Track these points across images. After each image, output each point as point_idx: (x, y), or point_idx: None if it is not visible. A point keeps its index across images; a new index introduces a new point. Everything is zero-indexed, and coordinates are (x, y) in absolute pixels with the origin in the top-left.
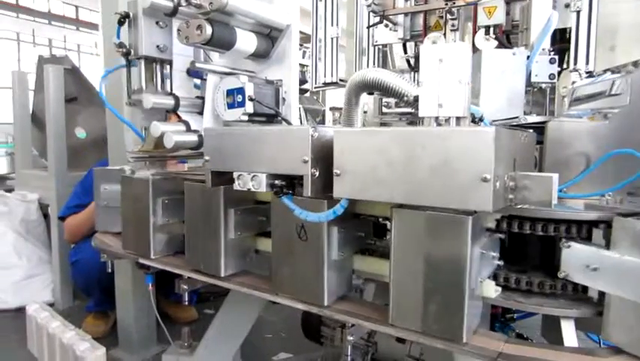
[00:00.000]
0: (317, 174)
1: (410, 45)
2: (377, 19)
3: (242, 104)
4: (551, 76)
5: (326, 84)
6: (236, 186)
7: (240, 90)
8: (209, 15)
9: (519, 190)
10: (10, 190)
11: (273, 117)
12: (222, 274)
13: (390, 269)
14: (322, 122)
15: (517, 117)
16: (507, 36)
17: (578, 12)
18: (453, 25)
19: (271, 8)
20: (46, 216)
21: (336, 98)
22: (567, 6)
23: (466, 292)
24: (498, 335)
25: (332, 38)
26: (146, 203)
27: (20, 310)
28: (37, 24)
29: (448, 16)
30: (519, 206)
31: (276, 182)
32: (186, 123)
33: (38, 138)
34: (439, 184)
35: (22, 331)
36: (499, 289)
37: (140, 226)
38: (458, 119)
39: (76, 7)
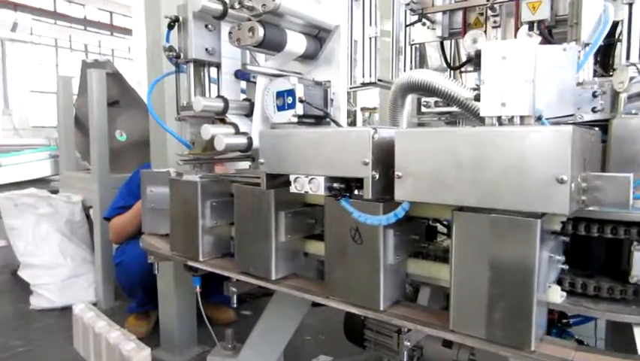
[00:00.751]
0: (377, 176)
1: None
2: (415, 17)
3: (292, 106)
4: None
5: (364, 84)
6: (293, 189)
7: (291, 92)
8: (261, 17)
9: (590, 191)
10: (54, 192)
11: (321, 119)
12: (273, 277)
13: (451, 273)
14: (353, 122)
15: (571, 115)
16: (549, 31)
17: (631, 4)
18: (495, 22)
19: (320, 9)
20: (87, 217)
21: (367, 98)
22: None
23: (534, 297)
24: (565, 342)
25: (370, 38)
26: (195, 205)
27: (65, 310)
28: (73, 30)
29: (490, 13)
30: (589, 208)
31: (335, 185)
32: (235, 126)
33: (81, 140)
34: (511, 186)
35: (67, 330)
36: (564, 294)
37: (189, 228)
38: (522, 118)
39: (111, 13)
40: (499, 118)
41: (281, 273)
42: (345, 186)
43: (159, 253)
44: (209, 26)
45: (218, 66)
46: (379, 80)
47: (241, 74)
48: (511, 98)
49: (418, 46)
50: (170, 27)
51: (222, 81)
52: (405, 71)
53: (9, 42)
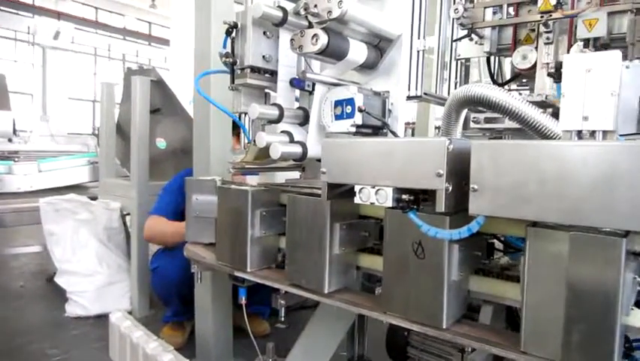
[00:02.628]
0: (450, 188)
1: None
2: (463, 32)
3: (351, 115)
4: None
5: (409, 98)
6: (358, 199)
7: (350, 101)
8: (325, 24)
9: None
10: (94, 198)
11: (378, 129)
12: (326, 290)
13: (524, 292)
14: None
15: (636, 134)
16: (604, 49)
17: None
18: (547, 39)
19: (383, 18)
20: (124, 224)
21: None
22: None
23: (618, 321)
24: None
25: (419, 51)
26: (245, 215)
27: (100, 318)
28: (113, 39)
29: (542, 29)
30: None
31: (403, 196)
32: (289, 134)
33: (121, 147)
34: (599, 203)
35: (103, 338)
36: None
37: (237, 238)
38: (605, 133)
39: (149, 23)
40: (579, 132)
41: (333, 286)
42: (414, 198)
43: (205, 262)
44: (267, 33)
45: (273, 73)
46: (425, 94)
47: (296, 82)
48: (595, 112)
49: (463, 61)
50: (229, 33)
51: (278, 89)
52: (450, 86)
53: (50, 50)
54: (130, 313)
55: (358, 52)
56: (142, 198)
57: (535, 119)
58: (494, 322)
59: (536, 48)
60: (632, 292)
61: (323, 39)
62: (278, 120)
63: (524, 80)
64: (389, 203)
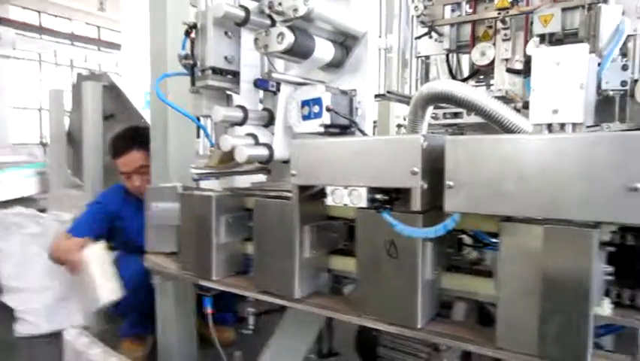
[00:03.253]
0: (425, 186)
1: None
2: (423, 30)
3: (318, 115)
4: (623, 83)
5: (375, 96)
6: (330, 201)
7: (317, 100)
8: (290, 22)
9: None
10: (43, 210)
11: (346, 129)
12: (296, 296)
13: (498, 288)
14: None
15: (597, 125)
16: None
17: None
18: (505, 35)
19: (349, 15)
20: None
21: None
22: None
23: (590, 311)
24: (618, 356)
25: (380, 49)
26: (209, 221)
27: (54, 336)
28: (59, 45)
29: (500, 26)
30: None
31: (377, 196)
32: (254, 136)
33: (72, 156)
34: (580, 196)
35: (58, 358)
36: (612, 306)
37: (201, 245)
38: (574, 125)
39: (98, 27)
40: (549, 126)
41: (305, 291)
42: (388, 198)
43: (169, 272)
44: (229, 33)
45: (235, 74)
46: (388, 92)
47: (260, 83)
48: (565, 105)
49: (423, 58)
50: (188, 34)
51: (242, 90)
52: (411, 84)
53: None
54: (86, 329)
55: (325, 50)
56: None
57: (501, 115)
58: (467, 318)
59: (494, 44)
60: (601, 282)
61: (289, 38)
62: (242, 123)
63: (481, 77)
64: (363, 203)
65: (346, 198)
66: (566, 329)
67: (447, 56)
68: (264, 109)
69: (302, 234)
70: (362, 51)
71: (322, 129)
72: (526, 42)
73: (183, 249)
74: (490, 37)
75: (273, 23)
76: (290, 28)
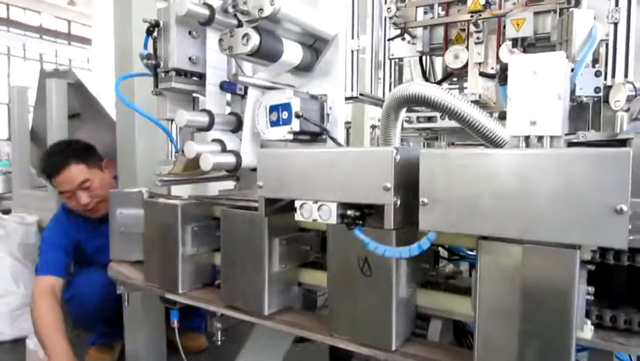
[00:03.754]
0: (398, 203)
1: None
2: (396, 31)
3: (287, 122)
4: (597, 89)
5: (346, 99)
6: (298, 216)
7: (286, 106)
8: (256, 23)
9: (635, 219)
10: (6, 212)
11: (317, 136)
12: (266, 312)
13: (476, 309)
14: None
15: (572, 133)
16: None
17: (616, 24)
18: (478, 38)
19: (318, 17)
20: None
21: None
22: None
23: (573, 333)
24: None
25: (352, 51)
26: (175, 231)
27: (17, 342)
28: (27, 38)
29: (473, 29)
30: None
31: (349, 212)
32: (221, 143)
33: (37, 155)
34: (559, 217)
35: None
36: (592, 328)
37: (166, 256)
38: (552, 138)
39: (69, 21)
40: (526, 138)
41: (274, 307)
42: (360, 214)
43: (132, 283)
44: (193, 33)
45: (201, 76)
46: (361, 95)
47: (227, 86)
48: (542, 116)
49: (397, 60)
50: (150, 33)
51: (208, 93)
52: (385, 86)
53: None
54: None
55: (293, 53)
56: None
57: (477, 121)
58: (443, 336)
59: (467, 48)
60: (582, 303)
61: (254, 39)
62: (208, 128)
63: (454, 80)
64: (333, 220)
65: (315, 213)
66: (547, 353)
67: (420, 58)
68: (232, 113)
69: (271, 246)
70: (332, 54)
71: (291, 136)
72: (498, 46)
73: (148, 259)
74: (463, 40)
75: (240, 24)
76: (256, 29)
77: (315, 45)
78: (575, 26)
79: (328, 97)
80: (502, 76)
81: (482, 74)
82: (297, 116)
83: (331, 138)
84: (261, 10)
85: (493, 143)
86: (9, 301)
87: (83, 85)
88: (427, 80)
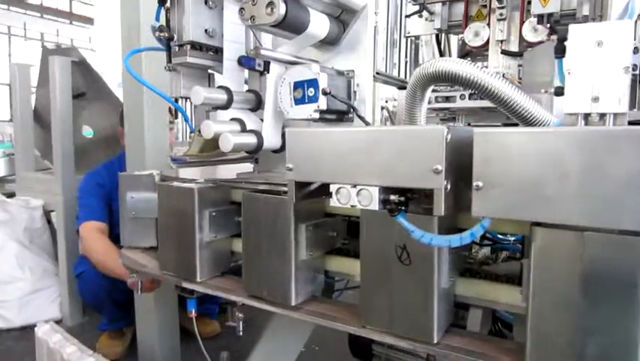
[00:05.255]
0: (449, 187)
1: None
2: (414, 8)
3: (313, 99)
4: (634, 67)
5: None
6: (334, 202)
7: (313, 82)
8: None
9: None
10: (10, 195)
11: (343, 114)
12: (293, 303)
13: (529, 300)
14: None
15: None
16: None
17: None
18: (501, 15)
19: None
20: (49, 222)
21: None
22: None
23: (639, 328)
24: None
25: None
26: (191, 216)
27: (26, 329)
28: (28, 17)
29: (496, 5)
30: None
31: (392, 197)
32: (240, 122)
33: (41, 137)
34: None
35: (31, 352)
36: None
37: (183, 243)
38: (616, 116)
39: (70, 0)
40: (586, 116)
41: (301, 297)
42: (404, 199)
43: (145, 271)
44: (209, 3)
45: (217, 50)
46: (377, 74)
47: (246, 61)
48: (606, 92)
49: (413, 39)
50: (162, 3)
51: (224, 69)
52: (400, 64)
53: None
54: (60, 321)
55: (320, 24)
56: (69, 194)
57: (513, 99)
58: (482, 327)
59: (488, 25)
60: None
61: (280, 8)
62: (226, 106)
63: (470, 59)
64: (374, 206)
65: (354, 198)
66: (611, 351)
67: (437, 36)
68: (250, 91)
69: (297, 233)
70: (361, 27)
71: (317, 115)
72: (522, 23)
73: (162, 246)
74: (484, 17)
75: None
76: None
77: (341, 17)
78: (611, 0)
79: (355, 73)
80: (559, 47)
81: (505, 52)
82: (325, 93)
83: (360, 117)
84: None
85: (530, 124)
86: (16, 288)
87: (87, 63)
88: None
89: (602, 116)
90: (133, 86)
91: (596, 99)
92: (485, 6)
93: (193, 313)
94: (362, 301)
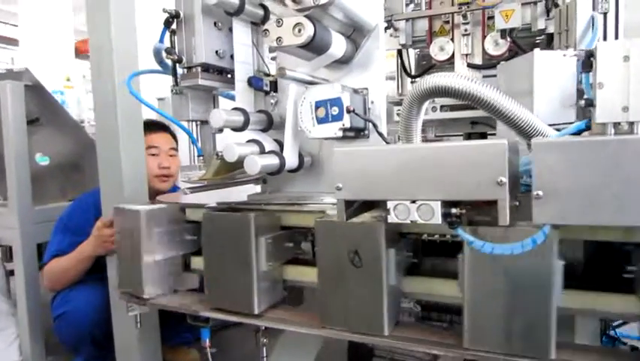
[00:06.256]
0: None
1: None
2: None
3: (338, 118)
4: None
5: None
6: (393, 218)
7: (336, 101)
8: (308, 12)
9: None
10: None
11: (360, 132)
12: (256, 311)
13: (464, 290)
14: None
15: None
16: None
17: (605, 14)
18: (465, 30)
19: (361, 5)
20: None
21: None
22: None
23: (554, 305)
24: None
25: None
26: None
27: None
28: None
29: (461, 20)
30: None
31: (453, 210)
32: (259, 143)
33: None
34: None
35: None
36: None
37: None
38: None
39: None
40: (615, 125)
41: (263, 305)
42: (465, 211)
43: (154, 303)
44: (218, 24)
45: (221, 72)
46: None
47: (255, 81)
48: (635, 102)
49: None
50: (168, 24)
51: (237, 90)
52: None
53: None
54: None
55: (338, 44)
56: (26, 227)
57: (511, 112)
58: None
59: (452, 40)
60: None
61: (309, 29)
62: (243, 128)
63: (434, 71)
64: (437, 220)
65: (414, 213)
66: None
67: (400, 51)
68: (260, 111)
69: (258, 246)
70: (373, 45)
71: (341, 133)
72: (483, 37)
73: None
74: (447, 32)
75: (266, 13)
76: (308, 18)
77: (352, 36)
78: (578, 15)
79: (369, 91)
80: (587, 63)
81: (470, 65)
82: (349, 111)
83: (379, 134)
84: None
85: (529, 135)
86: None
87: (42, 86)
88: (407, 73)
89: (631, 124)
90: (106, 110)
91: (625, 109)
92: (448, 22)
93: (207, 344)
94: (320, 303)
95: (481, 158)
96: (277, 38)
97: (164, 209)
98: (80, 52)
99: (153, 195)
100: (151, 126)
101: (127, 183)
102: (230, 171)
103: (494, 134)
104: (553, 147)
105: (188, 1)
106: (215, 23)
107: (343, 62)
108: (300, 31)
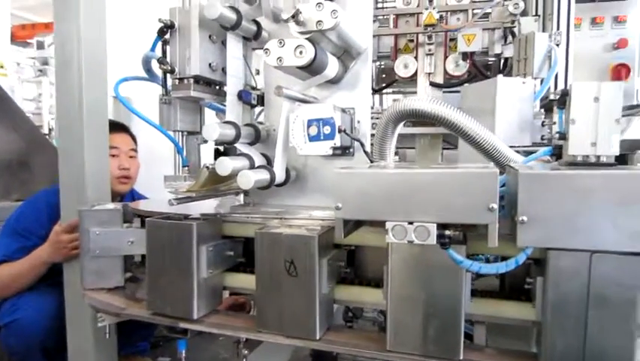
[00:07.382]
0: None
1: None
2: None
3: (330, 137)
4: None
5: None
6: (390, 238)
7: (329, 121)
8: (309, 35)
9: None
10: None
11: (346, 150)
12: (195, 316)
13: (388, 298)
14: None
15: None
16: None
17: (557, 44)
18: (429, 50)
19: (354, 30)
20: None
21: None
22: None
23: (462, 312)
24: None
25: None
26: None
27: None
28: None
29: (426, 41)
30: None
31: (446, 232)
32: (249, 157)
33: None
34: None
35: None
36: None
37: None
38: (607, 158)
39: None
40: (585, 157)
41: (202, 311)
42: (458, 233)
43: (127, 313)
44: (213, 37)
45: (210, 84)
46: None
47: (245, 95)
48: (602, 139)
49: None
50: (162, 34)
51: (227, 103)
52: None
53: None
54: None
55: (332, 65)
56: None
57: (483, 138)
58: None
59: (416, 58)
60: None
61: (310, 52)
62: (234, 141)
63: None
64: (432, 240)
65: (411, 234)
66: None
67: None
68: (248, 125)
69: (199, 254)
70: (361, 67)
71: (332, 152)
72: (445, 57)
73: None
74: (411, 50)
75: (259, 30)
76: (309, 41)
77: (342, 57)
78: (536, 47)
79: (356, 110)
80: (561, 100)
81: (432, 84)
82: (340, 131)
83: (365, 153)
84: (320, 22)
85: (494, 158)
86: None
87: None
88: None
89: (598, 157)
90: (69, 109)
91: (593, 144)
92: (412, 40)
93: (183, 354)
94: (258, 309)
95: (476, 184)
96: (278, 58)
97: (212, 222)
98: (16, 38)
99: (112, 197)
100: (111, 126)
101: (90, 184)
102: (216, 183)
103: (450, 149)
104: (535, 177)
105: (184, 12)
106: (210, 36)
107: (334, 81)
108: (301, 52)
